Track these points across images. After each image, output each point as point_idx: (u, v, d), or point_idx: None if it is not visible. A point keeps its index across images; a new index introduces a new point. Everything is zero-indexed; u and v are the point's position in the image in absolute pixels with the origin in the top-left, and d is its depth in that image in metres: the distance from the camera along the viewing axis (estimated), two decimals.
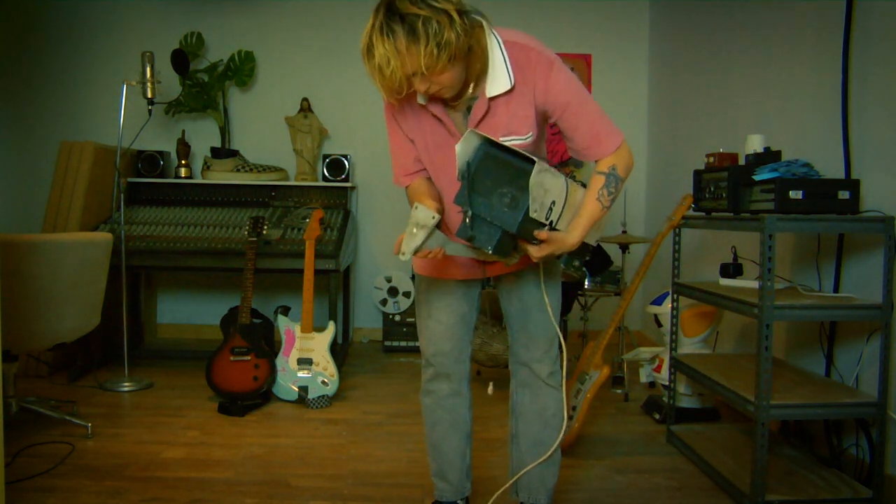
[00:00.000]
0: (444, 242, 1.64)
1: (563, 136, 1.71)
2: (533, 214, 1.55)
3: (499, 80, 1.60)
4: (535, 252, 1.64)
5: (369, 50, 1.48)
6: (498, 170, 1.58)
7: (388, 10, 1.46)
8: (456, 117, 1.68)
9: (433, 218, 1.56)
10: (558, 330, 1.89)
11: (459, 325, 1.93)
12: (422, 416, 2.05)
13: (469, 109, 1.66)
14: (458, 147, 1.56)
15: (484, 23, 1.60)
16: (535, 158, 1.52)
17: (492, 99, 1.62)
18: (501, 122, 1.65)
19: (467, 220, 1.58)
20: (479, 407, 2.10)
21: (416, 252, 1.57)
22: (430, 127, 1.70)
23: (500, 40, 1.60)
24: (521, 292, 1.89)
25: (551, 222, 1.63)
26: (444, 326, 1.92)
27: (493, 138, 1.58)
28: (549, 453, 1.94)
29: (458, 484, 2.05)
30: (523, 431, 1.97)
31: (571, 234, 1.66)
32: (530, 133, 1.66)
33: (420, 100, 1.65)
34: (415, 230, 1.56)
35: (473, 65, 1.58)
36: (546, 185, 1.56)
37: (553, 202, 1.60)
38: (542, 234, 1.60)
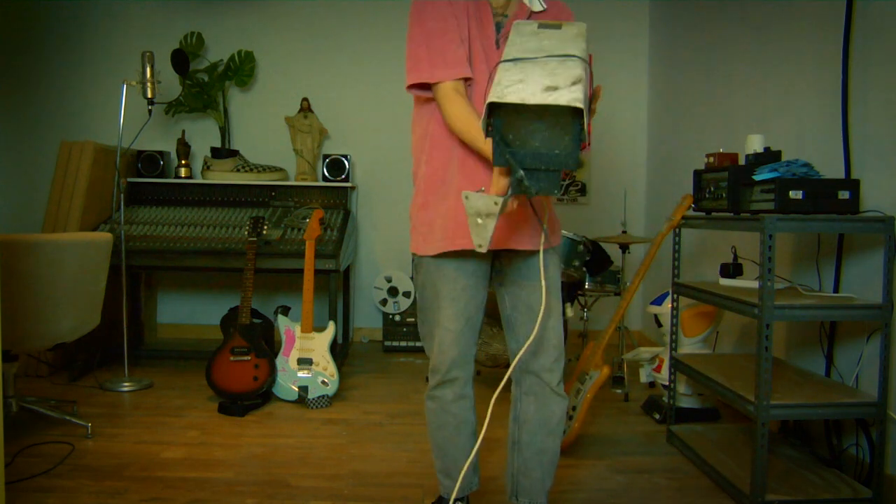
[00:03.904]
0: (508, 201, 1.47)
1: None
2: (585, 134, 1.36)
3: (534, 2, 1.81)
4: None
5: None
6: (521, 117, 1.38)
7: None
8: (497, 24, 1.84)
9: (495, 204, 1.41)
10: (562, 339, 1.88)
11: (466, 329, 1.90)
12: (422, 416, 2.05)
13: (499, 27, 1.81)
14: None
15: None
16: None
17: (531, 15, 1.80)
18: None
19: (524, 181, 1.39)
20: (479, 407, 2.09)
21: (491, 236, 1.43)
22: (487, 36, 1.81)
23: None
24: (530, 300, 1.86)
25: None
26: (453, 334, 1.88)
27: (501, 100, 1.37)
28: (553, 459, 1.92)
29: (465, 480, 2.03)
30: (527, 440, 1.94)
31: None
32: None
33: None
34: (480, 220, 1.42)
35: None
36: (581, 93, 1.35)
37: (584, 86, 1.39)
38: (589, 125, 1.40)
